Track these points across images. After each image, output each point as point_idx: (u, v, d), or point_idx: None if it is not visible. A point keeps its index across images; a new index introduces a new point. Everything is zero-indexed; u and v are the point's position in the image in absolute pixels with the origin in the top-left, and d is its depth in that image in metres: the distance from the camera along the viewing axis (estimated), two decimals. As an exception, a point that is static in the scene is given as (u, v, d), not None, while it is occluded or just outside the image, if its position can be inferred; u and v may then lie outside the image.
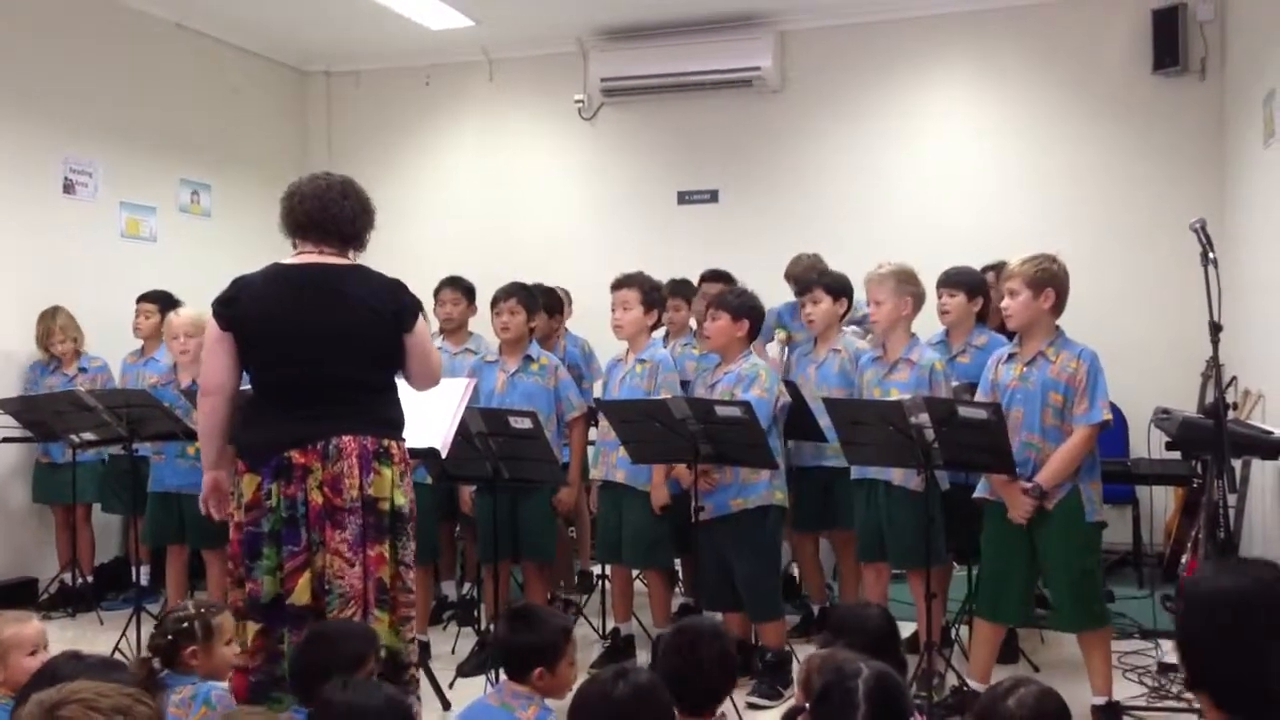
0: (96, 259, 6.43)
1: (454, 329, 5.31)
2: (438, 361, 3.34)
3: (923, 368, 4.21)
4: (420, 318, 3.20)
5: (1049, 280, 3.77)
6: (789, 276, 5.45)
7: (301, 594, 2.99)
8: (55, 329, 5.87)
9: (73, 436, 5.01)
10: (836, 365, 4.67)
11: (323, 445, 3.00)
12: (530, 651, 2.73)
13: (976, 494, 3.96)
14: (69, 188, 6.37)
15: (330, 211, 3.11)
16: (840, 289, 4.75)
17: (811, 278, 4.86)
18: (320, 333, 3.04)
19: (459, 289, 5.30)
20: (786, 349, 5.34)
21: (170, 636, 2.83)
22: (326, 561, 3.00)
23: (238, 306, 3.10)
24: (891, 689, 2.06)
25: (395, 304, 3.11)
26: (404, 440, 3.18)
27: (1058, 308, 3.82)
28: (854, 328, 5.16)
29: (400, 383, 3.27)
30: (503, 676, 2.81)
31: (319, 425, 3.01)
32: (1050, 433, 3.75)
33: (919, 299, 4.33)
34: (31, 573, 5.97)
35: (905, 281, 4.27)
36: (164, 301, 5.79)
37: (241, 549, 3.06)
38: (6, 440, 5.57)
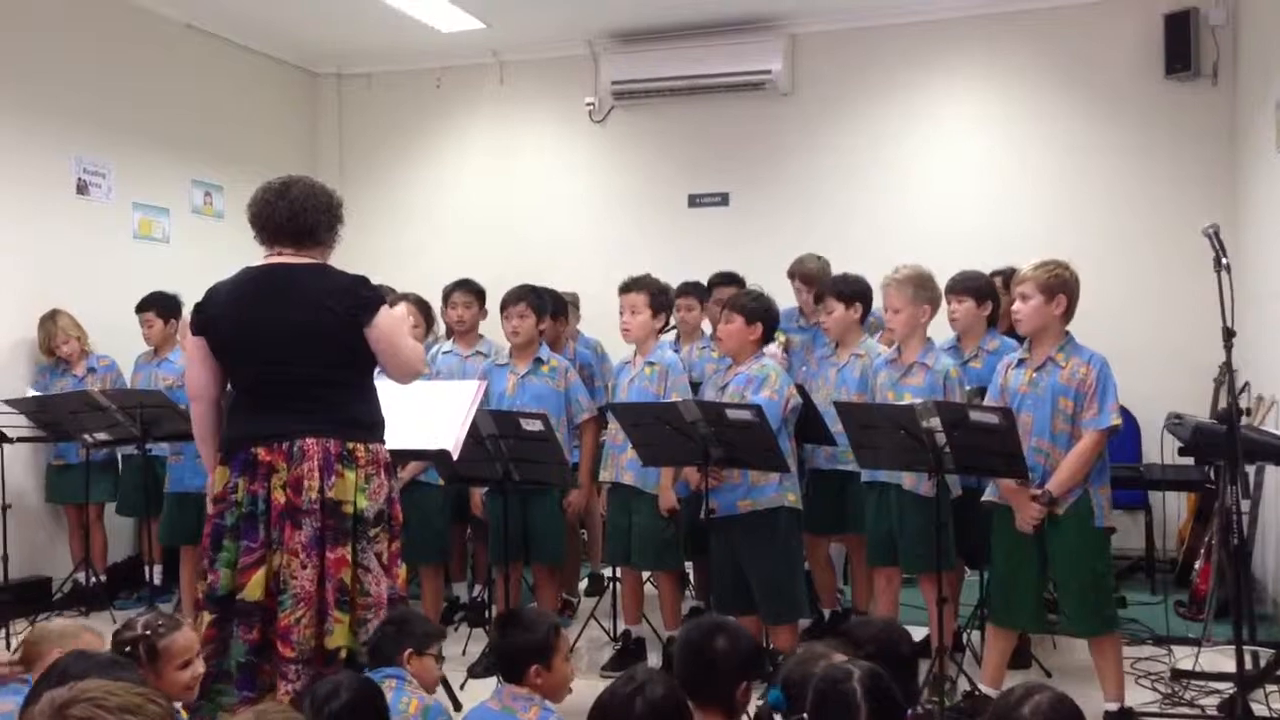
0: (109, 260, 6.46)
1: (465, 332, 5.31)
2: (412, 353, 3.24)
3: (937, 373, 4.21)
4: (383, 313, 3.12)
5: (1061, 286, 3.77)
6: (794, 274, 5.40)
7: (253, 590, 3.01)
8: (56, 331, 5.88)
9: (86, 436, 5.04)
10: (858, 370, 4.63)
11: (288, 445, 3.02)
12: (523, 651, 2.74)
13: (985, 498, 3.95)
14: (82, 188, 6.40)
15: (265, 212, 3.14)
16: (854, 294, 4.73)
17: (824, 285, 4.83)
18: (277, 333, 3.06)
19: (470, 292, 5.29)
20: (788, 353, 5.34)
21: None
22: (284, 561, 3.01)
23: (207, 311, 3.16)
24: (886, 687, 2.07)
25: (351, 300, 3.08)
26: (378, 441, 3.15)
27: (1068, 314, 3.81)
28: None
29: (406, 385, 3.26)
30: (497, 682, 2.81)
31: (284, 424, 3.04)
32: (1060, 438, 3.74)
33: (936, 304, 4.34)
34: (45, 572, 5.99)
35: (922, 287, 4.27)
36: (161, 305, 5.80)
37: (208, 540, 3.10)
38: (21, 440, 5.60)
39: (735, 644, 2.51)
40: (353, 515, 3.05)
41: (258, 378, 3.11)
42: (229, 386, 3.24)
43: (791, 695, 2.29)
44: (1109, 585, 3.84)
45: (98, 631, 2.91)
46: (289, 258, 3.14)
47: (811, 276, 5.28)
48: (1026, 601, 3.86)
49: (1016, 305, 3.87)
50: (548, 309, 5.05)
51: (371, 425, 3.16)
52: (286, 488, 3.01)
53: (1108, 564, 3.85)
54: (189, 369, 3.25)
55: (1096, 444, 3.70)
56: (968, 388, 4.28)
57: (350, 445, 3.06)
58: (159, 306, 5.81)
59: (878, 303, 4.80)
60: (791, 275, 5.39)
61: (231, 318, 3.10)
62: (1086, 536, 3.72)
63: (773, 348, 5.08)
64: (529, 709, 2.68)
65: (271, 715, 2.10)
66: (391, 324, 3.17)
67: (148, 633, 2.66)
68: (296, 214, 3.12)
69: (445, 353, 5.31)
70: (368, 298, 3.11)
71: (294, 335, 3.06)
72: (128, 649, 2.65)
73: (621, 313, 4.67)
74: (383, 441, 3.17)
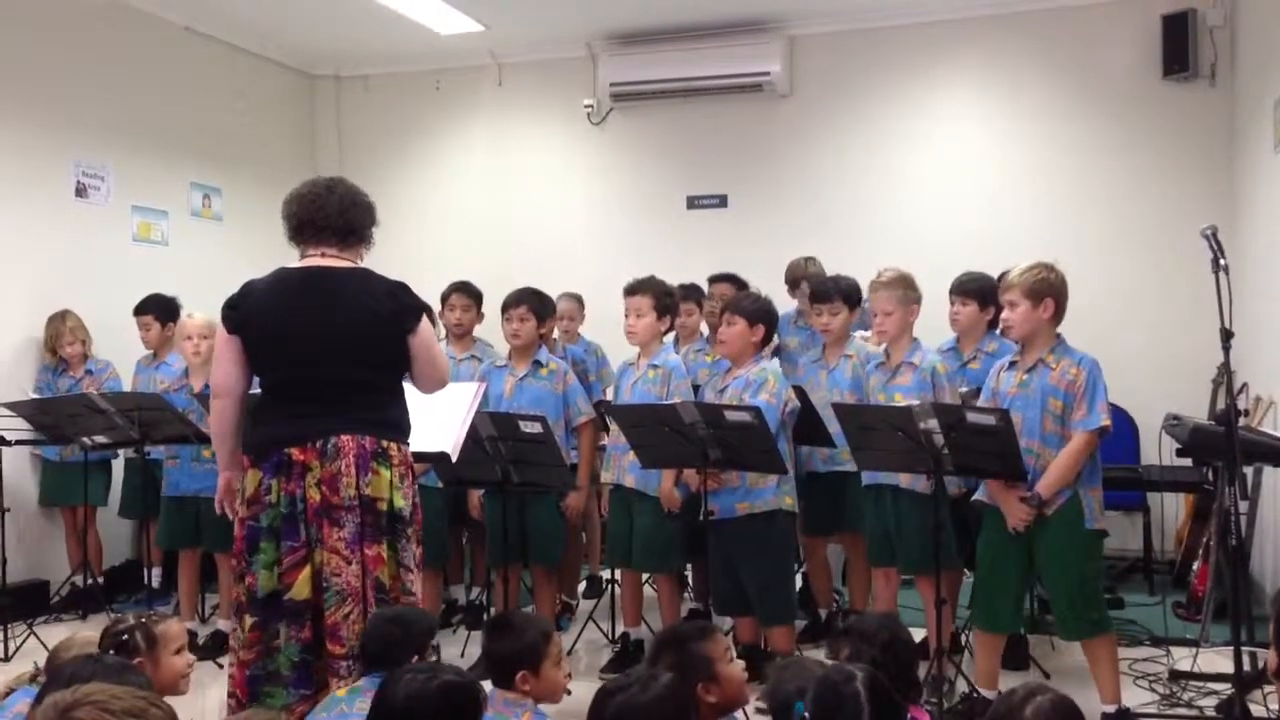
0: (108, 262, 6.45)
1: (461, 335, 5.31)
2: (444, 364, 3.31)
3: (924, 370, 4.24)
4: (424, 320, 3.18)
5: (1047, 290, 3.77)
6: (798, 279, 5.42)
7: (301, 589, 3.02)
8: (65, 330, 5.90)
9: (85, 439, 5.03)
10: (849, 371, 4.68)
11: (321, 443, 3.03)
12: (510, 657, 2.73)
13: (975, 498, 3.96)
14: (81, 191, 6.39)
15: (316, 205, 3.14)
16: (856, 298, 4.81)
17: (828, 287, 4.85)
18: (318, 334, 3.07)
19: (469, 295, 5.30)
20: (782, 356, 5.34)
21: (112, 651, 2.65)
22: (324, 559, 3.01)
23: (243, 309, 3.14)
24: (886, 688, 2.09)
25: (395, 305, 3.11)
26: (407, 443, 3.18)
27: (1057, 316, 3.81)
28: (863, 333, 5.16)
29: (409, 386, 3.27)
30: (490, 687, 2.76)
31: (318, 424, 3.04)
32: (1050, 439, 3.75)
33: (920, 302, 4.39)
34: (43, 575, 5.98)
35: (909, 288, 4.34)
36: (159, 309, 5.78)
37: (243, 544, 3.10)
38: (20, 443, 5.59)
39: (674, 659, 2.52)
40: (387, 512, 3.07)
41: (295, 378, 3.10)
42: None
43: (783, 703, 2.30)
44: (1098, 588, 3.82)
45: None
46: (331, 260, 3.15)
47: (812, 279, 5.33)
48: (1007, 604, 3.86)
49: (1005, 313, 3.87)
50: (549, 312, 5.06)
51: (402, 427, 3.19)
52: (321, 485, 3.02)
53: (1098, 566, 3.84)
54: (216, 365, 3.23)
55: (1087, 445, 3.70)
56: (964, 389, 4.29)
57: (385, 443, 3.09)
58: (157, 310, 5.79)
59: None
60: (796, 280, 5.42)
61: (273, 318, 3.10)
62: (1075, 538, 3.72)
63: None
64: (521, 714, 2.66)
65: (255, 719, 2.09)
66: (430, 333, 3.24)
67: (143, 620, 2.76)
68: (347, 208, 3.16)
69: (440, 352, 5.31)
70: (412, 305, 3.14)
71: (339, 338, 3.06)
72: (124, 637, 2.69)
73: (626, 315, 4.67)
74: (409, 444, 3.19)
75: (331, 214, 3.14)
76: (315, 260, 3.16)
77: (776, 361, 4.61)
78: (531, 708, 2.69)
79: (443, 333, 5.66)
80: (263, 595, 3.05)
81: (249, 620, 3.07)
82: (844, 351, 4.75)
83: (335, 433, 3.03)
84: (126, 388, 5.80)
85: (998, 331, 4.72)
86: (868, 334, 5.13)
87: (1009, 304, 3.83)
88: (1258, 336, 5.36)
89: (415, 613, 2.93)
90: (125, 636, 2.71)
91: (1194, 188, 6.48)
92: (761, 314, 4.37)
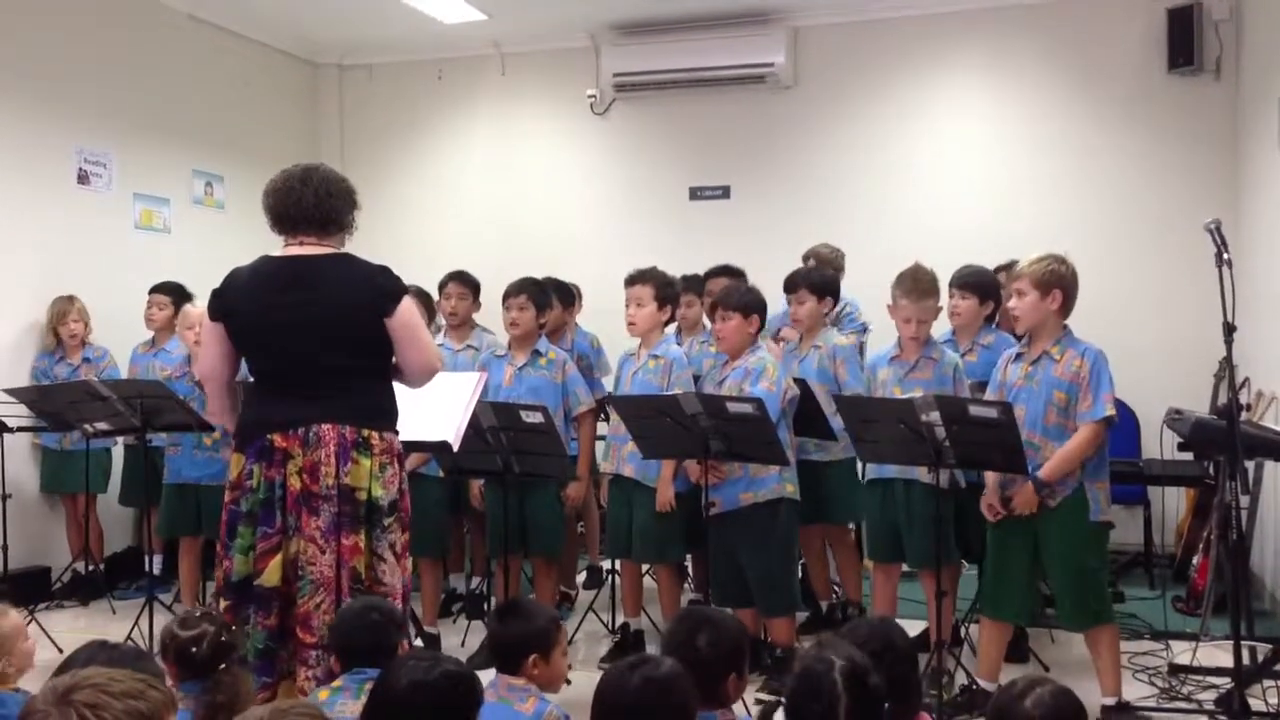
0: (110, 250, 6.45)
1: (458, 324, 5.30)
2: (428, 350, 3.22)
3: (946, 365, 4.23)
4: (405, 302, 3.12)
5: (1056, 281, 3.76)
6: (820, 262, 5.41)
7: (271, 576, 3.02)
8: (71, 310, 5.96)
9: (86, 426, 5.03)
10: (816, 361, 4.69)
11: (303, 431, 3.03)
12: (523, 641, 2.72)
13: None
14: (83, 178, 6.39)
15: (291, 199, 3.13)
16: (826, 289, 4.77)
17: (795, 278, 4.83)
18: (297, 321, 3.06)
19: (465, 284, 5.29)
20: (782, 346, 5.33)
21: None
22: (300, 547, 3.02)
23: (226, 298, 3.15)
24: (864, 678, 2.07)
25: (373, 289, 3.08)
26: (393, 431, 3.16)
27: (1065, 308, 3.80)
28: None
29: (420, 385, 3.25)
30: (494, 673, 2.74)
31: (300, 411, 3.04)
32: (1053, 431, 3.74)
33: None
34: (45, 561, 5.99)
35: (935, 293, 4.28)
36: (177, 293, 5.84)
37: (225, 528, 3.11)
38: (21, 429, 5.60)
39: (719, 637, 2.50)
40: (366, 502, 3.07)
41: (279, 365, 3.11)
42: (239, 372, 3.24)
43: None
44: (1101, 579, 3.83)
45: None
46: (312, 248, 3.14)
47: (824, 260, 5.31)
48: (1016, 594, 3.86)
49: (1013, 302, 3.87)
50: (549, 302, 5.05)
51: (387, 413, 3.17)
52: (302, 473, 3.02)
53: (1102, 558, 3.85)
54: (201, 351, 3.27)
55: (1093, 436, 3.69)
56: (967, 381, 4.29)
57: (365, 432, 3.07)
58: (174, 294, 5.87)
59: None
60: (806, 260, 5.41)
61: (255, 306, 3.10)
62: (1079, 530, 3.72)
63: (771, 346, 5.07)
64: (526, 699, 2.66)
65: (290, 715, 2.07)
66: (412, 315, 3.17)
67: None
68: (323, 200, 3.13)
69: (438, 345, 5.30)
70: (390, 287, 3.11)
71: (319, 324, 3.06)
72: None
73: (627, 305, 4.66)
74: (396, 431, 3.18)
75: (307, 206, 3.12)
76: (295, 249, 3.16)
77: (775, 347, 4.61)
78: (536, 693, 2.69)
79: (443, 321, 5.66)
80: (236, 580, 3.07)
81: (224, 604, 3.09)
82: (814, 342, 4.74)
83: (317, 421, 3.03)
84: (124, 376, 5.81)
85: (994, 325, 4.74)
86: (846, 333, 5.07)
87: (1017, 293, 3.82)
88: (1260, 331, 5.35)
89: (386, 602, 2.87)
90: None
91: (1198, 182, 6.47)
92: (756, 305, 4.38)
